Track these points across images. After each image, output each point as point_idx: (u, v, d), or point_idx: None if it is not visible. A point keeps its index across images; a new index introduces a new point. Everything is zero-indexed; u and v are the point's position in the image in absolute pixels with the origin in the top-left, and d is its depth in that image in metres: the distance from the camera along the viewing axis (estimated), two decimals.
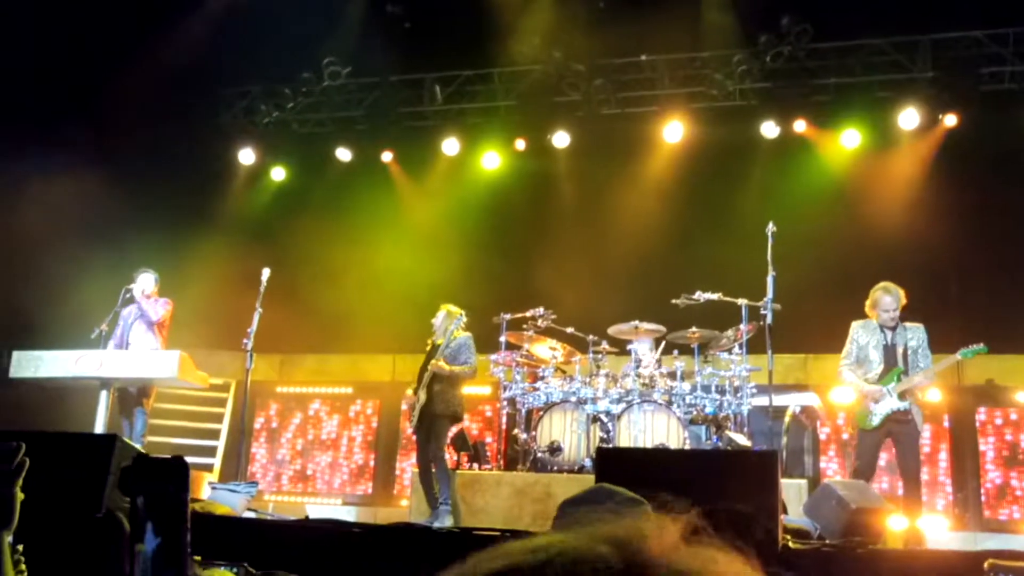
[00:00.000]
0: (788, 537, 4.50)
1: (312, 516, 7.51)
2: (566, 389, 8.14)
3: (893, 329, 6.94)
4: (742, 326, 7.88)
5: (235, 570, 2.11)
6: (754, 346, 7.98)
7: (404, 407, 8.13)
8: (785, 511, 5.37)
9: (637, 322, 8.15)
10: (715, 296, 7.99)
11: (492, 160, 11.06)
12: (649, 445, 7.52)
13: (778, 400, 7.77)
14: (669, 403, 7.80)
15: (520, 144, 10.91)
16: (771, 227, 7.49)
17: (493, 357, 8.47)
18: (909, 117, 9.73)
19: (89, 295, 8.64)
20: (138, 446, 5.57)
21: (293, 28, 9.92)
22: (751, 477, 4.31)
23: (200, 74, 10.56)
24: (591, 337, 8.41)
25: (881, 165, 9.97)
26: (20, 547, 1.88)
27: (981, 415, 9.25)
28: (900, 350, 6.88)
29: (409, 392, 7.76)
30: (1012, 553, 3.98)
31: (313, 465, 10.92)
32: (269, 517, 7.03)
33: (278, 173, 11.70)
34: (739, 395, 7.89)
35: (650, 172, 10.52)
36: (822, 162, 10.22)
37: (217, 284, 9.77)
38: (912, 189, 9.65)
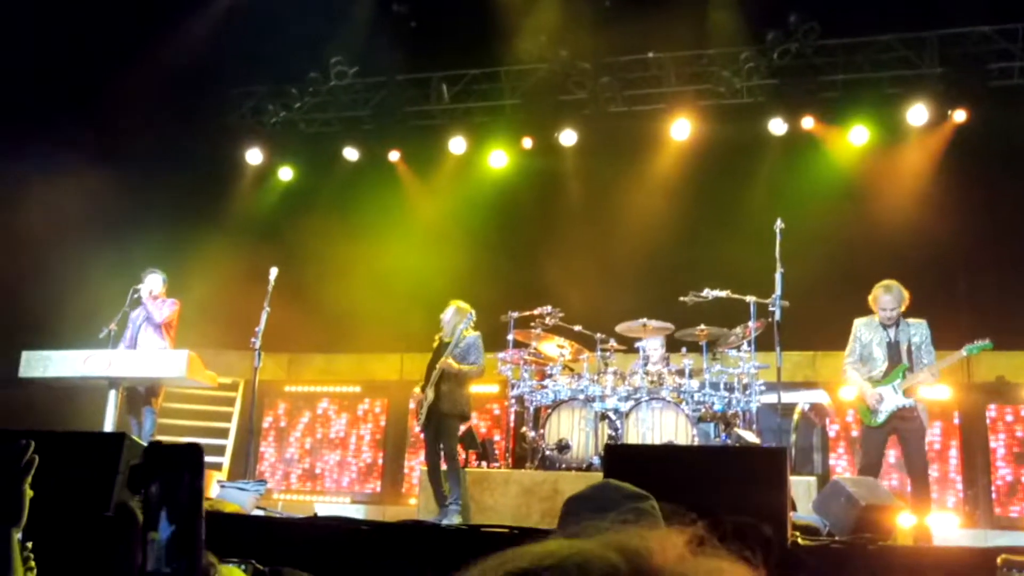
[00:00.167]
0: (797, 534, 4.48)
1: (321, 514, 7.51)
2: (574, 387, 8.13)
3: (895, 326, 6.92)
4: (750, 323, 7.87)
5: (244, 567, 2.11)
6: (763, 343, 7.96)
7: (412, 405, 8.14)
8: (794, 508, 5.35)
9: (645, 320, 8.14)
10: (723, 293, 7.97)
11: (499, 159, 11.06)
12: (657, 442, 7.51)
13: (787, 397, 7.75)
14: (678, 401, 7.79)
15: (527, 143, 10.91)
16: (779, 224, 7.48)
17: (501, 355, 8.46)
18: (918, 113, 9.70)
19: (97, 295, 8.67)
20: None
21: (299, 28, 9.93)
22: (760, 474, 4.29)
23: (207, 74, 10.59)
24: (599, 335, 8.40)
25: (889, 161, 9.93)
26: (29, 544, 1.88)
27: (991, 412, 9.20)
28: (904, 347, 6.87)
29: (416, 390, 7.75)
30: None
31: (322, 464, 10.94)
32: (278, 515, 7.04)
33: (285, 173, 11.72)
34: (748, 392, 7.87)
35: (657, 170, 10.50)
36: (830, 159, 10.19)
37: (225, 284, 9.79)
38: (921, 185, 9.61)
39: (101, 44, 9.51)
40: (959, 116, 9.64)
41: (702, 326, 8.05)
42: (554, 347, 8.52)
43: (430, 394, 7.47)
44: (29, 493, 1.74)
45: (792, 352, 8.75)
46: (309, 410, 11.11)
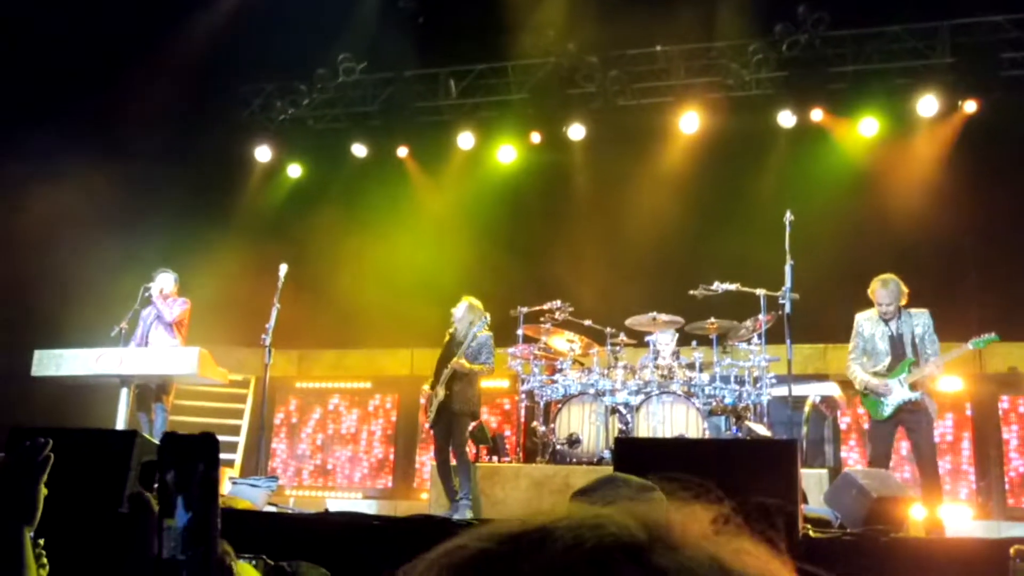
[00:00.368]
0: (809, 527, 4.47)
1: (332, 510, 7.53)
2: (584, 381, 8.13)
3: (896, 318, 6.90)
4: (761, 316, 7.84)
5: (254, 563, 2.12)
6: (773, 336, 7.94)
7: (422, 401, 8.15)
8: (806, 500, 5.35)
9: (655, 313, 8.12)
10: (733, 286, 7.95)
11: (507, 153, 11.05)
12: (668, 436, 7.50)
13: (798, 390, 7.73)
14: (688, 394, 7.78)
15: (535, 137, 10.90)
16: (789, 216, 7.45)
17: (511, 350, 8.46)
18: (928, 104, 9.64)
19: (108, 293, 8.71)
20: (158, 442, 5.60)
21: (308, 25, 9.94)
22: (771, 467, 4.29)
23: (215, 71, 10.61)
24: (609, 329, 8.39)
25: (900, 153, 9.88)
26: (41, 541, 1.89)
27: (1004, 403, 9.17)
28: (907, 338, 6.85)
29: (426, 388, 7.76)
30: None
31: (333, 460, 10.97)
32: (290, 511, 7.06)
33: (294, 170, 11.74)
34: (758, 385, 7.85)
35: (666, 163, 10.47)
36: (840, 151, 10.14)
37: (235, 280, 9.82)
38: (931, 177, 9.56)
39: (110, 41, 9.53)
40: (970, 107, 9.58)
41: (712, 319, 8.03)
42: (564, 342, 8.52)
43: (441, 392, 7.47)
44: (44, 491, 1.75)
45: (803, 345, 8.73)
46: (320, 406, 11.15)
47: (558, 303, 8.36)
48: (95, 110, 9.65)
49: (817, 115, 9.99)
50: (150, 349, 8.22)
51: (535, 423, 8.29)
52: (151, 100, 9.88)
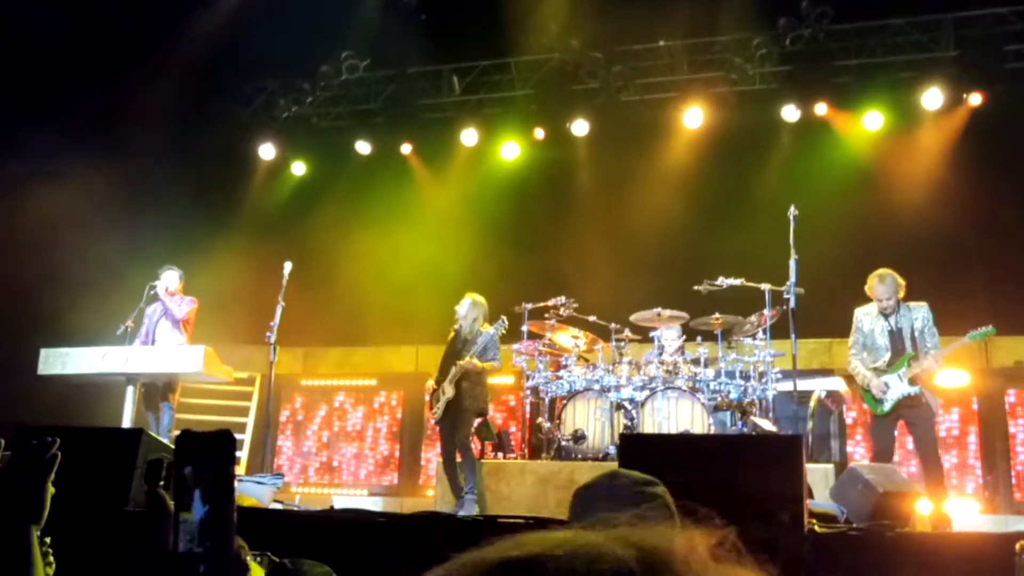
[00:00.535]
0: (815, 522, 4.47)
1: (337, 507, 7.55)
2: (589, 377, 8.13)
3: (895, 312, 6.90)
4: (765, 311, 7.83)
5: (259, 559, 2.13)
6: (778, 331, 7.94)
7: (427, 398, 8.16)
8: (811, 495, 5.34)
9: (659, 309, 8.12)
10: (738, 281, 7.94)
11: (511, 150, 11.05)
12: (673, 432, 7.49)
13: (803, 385, 7.71)
14: (693, 389, 7.77)
15: (539, 133, 10.89)
16: (793, 211, 7.44)
17: (516, 347, 8.46)
18: (932, 97, 9.61)
19: (113, 292, 8.72)
20: (165, 440, 5.62)
21: (310, 23, 9.94)
22: (777, 462, 4.28)
23: (219, 70, 10.62)
24: (613, 325, 8.39)
25: (904, 146, 9.85)
26: (48, 540, 1.90)
27: (1011, 397, 9.15)
28: (907, 333, 6.85)
29: (430, 384, 7.76)
30: None
31: (339, 457, 11.00)
32: (295, 508, 7.08)
33: (298, 167, 11.76)
34: (764, 380, 7.85)
35: (670, 158, 10.46)
36: (844, 145, 10.12)
37: (240, 278, 9.83)
38: (936, 170, 9.53)
39: (111, 41, 9.54)
40: (975, 99, 9.55)
41: (717, 315, 8.02)
42: (568, 338, 8.52)
43: (449, 390, 7.47)
44: (51, 490, 1.76)
45: (808, 339, 8.71)
46: (326, 403, 11.17)
47: (563, 299, 8.36)
48: (97, 110, 9.66)
49: (821, 109, 9.97)
50: (156, 347, 8.24)
51: (540, 419, 8.30)
52: (153, 99, 9.89)
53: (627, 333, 8.36)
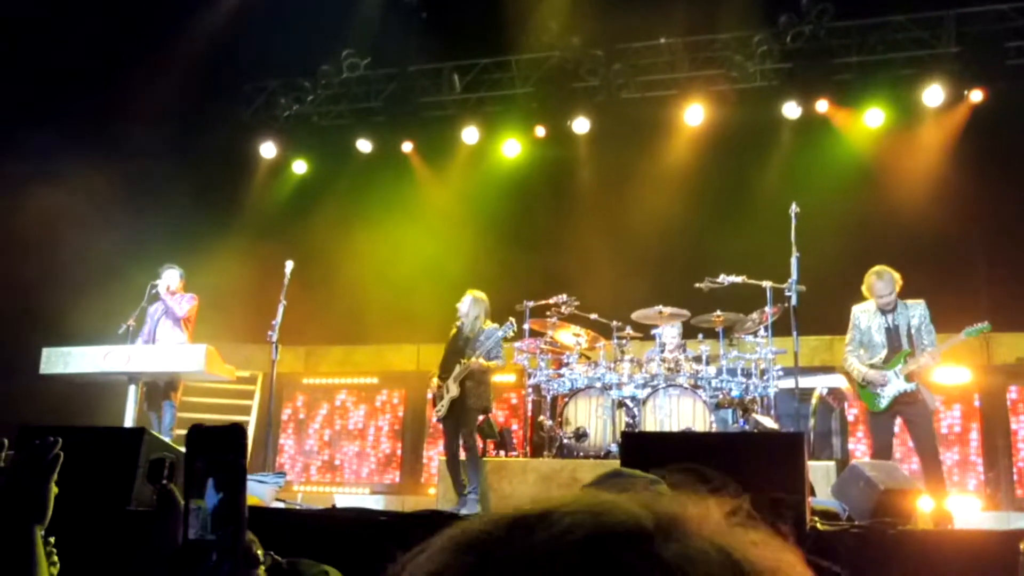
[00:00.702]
0: (816, 519, 4.47)
1: (340, 505, 7.55)
2: (591, 375, 8.13)
3: (892, 310, 6.90)
4: (767, 308, 7.83)
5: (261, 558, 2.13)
6: (780, 328, 7.93)
7: (430, 396, 8.16)
8: (813, 493, 5.34)
9: (661, 307, 8.12)
10: (739, 279, 7.94)
11: (512, 148, 11.05)
12: (675, 429, 7.50)
13: (805, 382, 7.72)
14: (695, 387, 7.77)
15: (540, 131, 10.89)
16: (794, 208, 7.44)
17: (517, 345, 8.46)
18: (934, 94, 9.60)
19: (115, 291, 8.73)
20: (167, 439, 5.62)
21: (310, 22, 9.94)
22: (778, 459, 4.28)
23: (218, 69, 10.62)
24: (615, 323, 8.39)
25: (905, 143, 9.85)
26: (52, 539, 1.90)
27: (1012, 393, 9.14)
28: (903, 330, 6.86)
29: (435, 381, 7.75)
30: None
31: (341, 455, 11.00)
32: (297, 507, 7.09)
33: (299, 166, 11.77)
34: (765, 378, 7.85)
35: (671, 156, 10.46)
36: (845, 142, 10.12)
37: (241, 277, 9.84)
38: (937, 167, 9.53)
39: (111, 41, 9.55)
40: (976, 96, 9.54)
41: (718, 312, 8.02)
42: (570, 336, 8.52)
43: (454, 389, 7.46)
44: (55, 490, 1.76)
45: (809, 337, 8.71)
46: (327, 402, 11.18)
47: (564, 297, 8.36)
48: (97, 109, 9.67)
49: (822, 106, 9.96)
50: (158, 346, 8.24)
51: (542, 417, 8.30)
52: (154, 98, 9.90)
53: (628, 331, 8.36)
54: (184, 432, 1.30)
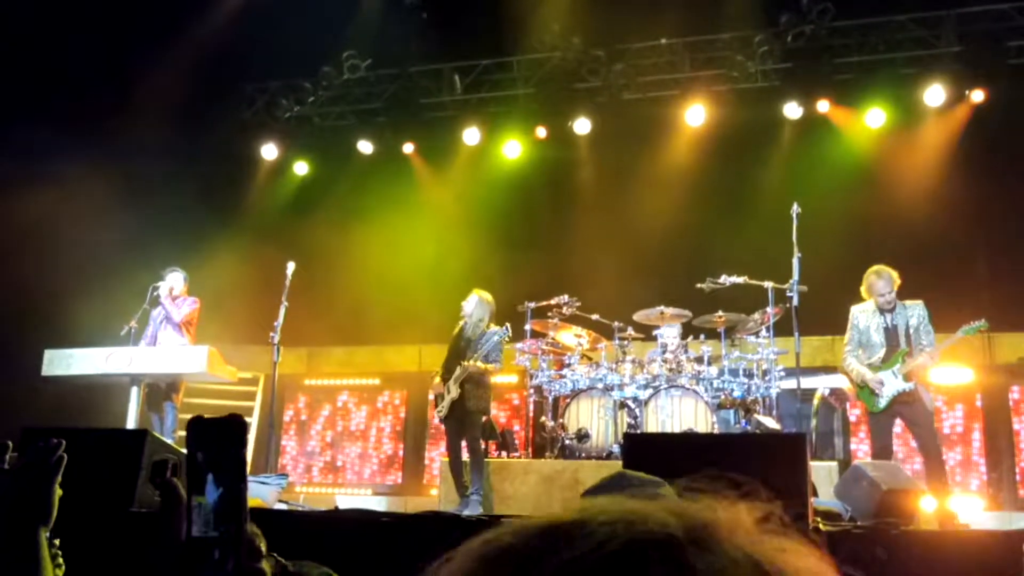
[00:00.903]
0: (819, 519, 4.47)
1: (342, 507, 7.55)
2: (593, 376, 8.13)
3: (892, 310, 6.90)
4: (769, 309, 7.83)
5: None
6: (781, 329, 7.93)
7: (431, 396, 8.16)
8: (815, 493, 5.34)
9: (662, 307, 8.12)
10: (741, 279, 7.94)
11: (513, 149, 11.05)
12: (677, 430, 7.49)
13: (806, 382, 7.71)
14: (696, 388, 7.77)
15: (541, 132, 10.89)
16: (796, 208, 7.44)
17: (519, 346, 8.46)
18: (935, 94, 9.60)
19: (117, 293, 8.74)
20: (169, 441, 5.63)
21: (312, 23, 9.95)
22: (780, 460, 4.28)
23: (219, 70, 10.62)
24: (616, 323, 8.39)
25: (907, 143, 9.85)
26: (57, 541, 1.90)
27: (1015, 393, 9.13)
28: (902, 330, 6.87)
29: (436, 380, 7.74)
30: None
31: (343, 456, 11.01)
32: (300, 508, 7.09)
33: (300, 167, 11.77)
34: (767, 378, 7.84)
35: (672, 156, 10.46)
36: (847, 142, 10.11)
37: (243, 278, 9.84)
38: (939, 167, 9.53)
39: (113, 41, 9.55)
40: (977, 96, 9.53)
41: (720, 313, 8.02)
42: (572, 336, 8.52)
43: (454, 391, 7.46)
44: (59, 492, 1.77)
45: (811, 337, 8.71)
46: (329, 403, 11.18)
47: (565, 298, 8.36)
48: (98, 110, 9.67)
49: (823, 106, 9.96)
50: (159, 348, 8.25)
51: (544, 418, 8.30)
52: (156, 99, 9.90)
53: (630, 332, 8.36)
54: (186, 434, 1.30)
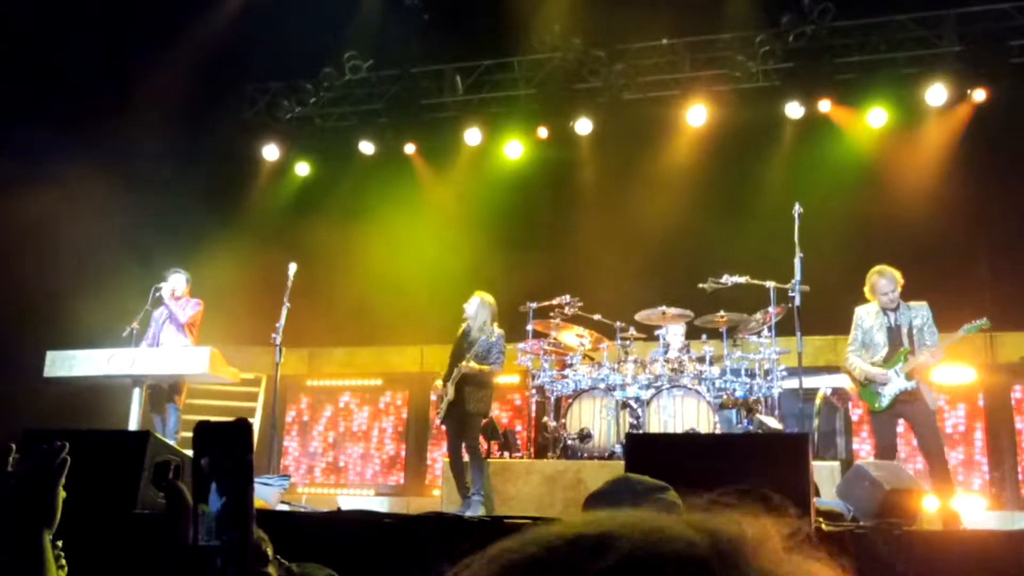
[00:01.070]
0: (821, 520, 4.47)
1: (344, 507, 7.55)
2: (595, 376, 8.13)
3: (895, 310, 6.90)
4: (770, 309, 7.83)
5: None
6: (783, 328, 7.93)
7: (433, 397, 8.16)
8: (818, 493, 5.33)
9: (664, 307, 8.12)
10: (742, 279, 7.94)
11: (515, 149, 11.05)
12: (679, 430, 7.49)
13: (809, 382, 7.71)
14: (699, 388, 7.77)
15: (542, 132, 10.90)
16: (798, 208, 7.44)
17: (521, 346, 8.46)
18: (936, 93, 9.60)
19: (119, 294, 8.74)
20: (172, 442, 5.63)
21: (313, 23, 9.95)
22: (783, 460, 4.27)
23: (221, 71, 10.63)
24: (618, 323, 8.39)
25: (909, 143, 9.84)
26: (60, 543, 1.90)
27: (1017, 393, 9.13)
28: (905, 330, 6.86)
29: (439, 383, 7.75)
30: None
31: (345, 457, 11.01)
32: (302, 509, 7.09)
33: (302, 168, 11.78)
34: (769, 378, 7.84)
35: (674, 156, 10.46)
36: (848, 141, 10.11)
37: (245, 280, 9.85)
38: (941, 166, 9.52)
39: (114, 41, 9.56)
40: (979, 95, 9.53)
41: (722, 312, 8.02)
42: (574, 336, 8.52)
43: (451, 393, 7.46)
44: (62, 494, 1.77)
45: (813, 337, 8.70)
46: (331, 404, 11.18)
47: (567, 298, 8.36)
48: (100, 111, 9.68)
49: (825, 106, 9.96)
50: (162, 349, 8.25)
51: (546, 418, 8.30)
52: (157, 100, 9.90)
53: (632, 332, 8.36)
54: (189, 435, 1.29)
